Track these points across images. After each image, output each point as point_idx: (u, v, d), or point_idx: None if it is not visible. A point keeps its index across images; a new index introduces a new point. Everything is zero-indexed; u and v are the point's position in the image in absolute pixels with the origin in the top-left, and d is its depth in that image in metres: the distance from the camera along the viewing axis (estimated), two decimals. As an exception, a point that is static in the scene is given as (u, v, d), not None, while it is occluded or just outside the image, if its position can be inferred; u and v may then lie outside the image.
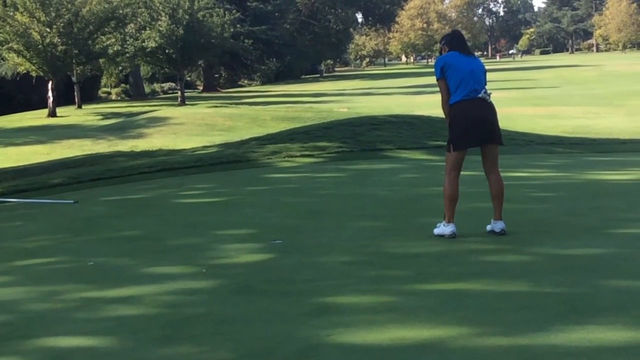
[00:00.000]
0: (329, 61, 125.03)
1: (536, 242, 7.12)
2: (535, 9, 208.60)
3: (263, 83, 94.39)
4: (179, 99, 57.29)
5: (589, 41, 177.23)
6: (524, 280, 5.76)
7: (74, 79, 53.26)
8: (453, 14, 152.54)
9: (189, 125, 36.25)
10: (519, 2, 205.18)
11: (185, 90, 62.85)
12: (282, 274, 6.45)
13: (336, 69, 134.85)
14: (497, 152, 7.59)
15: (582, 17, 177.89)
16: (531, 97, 52.78)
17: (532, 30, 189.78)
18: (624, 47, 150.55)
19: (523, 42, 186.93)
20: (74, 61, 50.47)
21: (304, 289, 5.89)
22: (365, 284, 5.96)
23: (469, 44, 7.98)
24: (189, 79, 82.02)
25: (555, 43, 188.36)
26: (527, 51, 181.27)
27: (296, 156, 17.19)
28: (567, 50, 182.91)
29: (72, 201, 12.05)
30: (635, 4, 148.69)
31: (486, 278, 5.90)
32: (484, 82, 7.58)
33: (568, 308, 5.01)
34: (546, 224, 8.02)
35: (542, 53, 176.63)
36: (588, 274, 5.83)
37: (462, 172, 7.63)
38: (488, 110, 7.46)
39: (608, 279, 5.69)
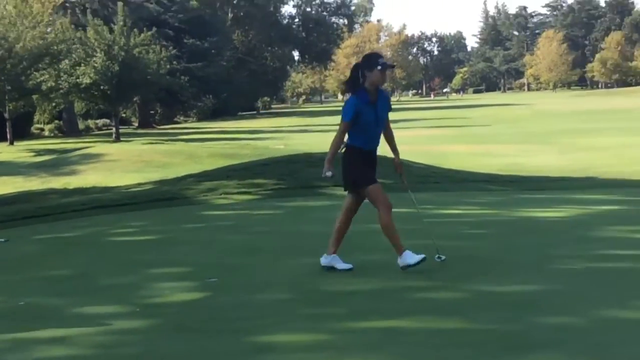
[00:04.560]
0: (265, 98, 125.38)
1: (470, 279, 7.19)
2: (469, 48, 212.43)
3: (199, 120, 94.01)
4: (114, 136, 56.81)
5: (521, 80, 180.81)
6: (459, 317, 5.81)
7: (6, 115, 52.49)
8: (388, 53, 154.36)
9: (124, 162, 35.90)
10: (452, 42, 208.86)
11: (120, 127, 62.37)
12: (218, 313, 6.41)
13: (273, 106, 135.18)
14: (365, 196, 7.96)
15: (514, 57, 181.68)
16: (465, 135, 53.51)
17: (465, 69, 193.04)
18: (555, 87, 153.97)
19: (457, 81, 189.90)
20: (6, 97, 49.80)
21: (240, 327, 5.86)
22: (302, 322, 5.95)
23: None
24: (124, 115, 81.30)
25: (488, 82, 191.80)
26: (461, 90, 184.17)
27: (233, 193, 17.12)
28: (500, 89, 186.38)
29: (2, 240, 11.82)
30: (565, 44, 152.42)
31: (421, 315, 5.94)
32: None
33: (502, 345, 5.07)
34: (480, 261, 8.12)
35: (475, 92, 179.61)
36: (521, 311, 5.91)
37: (396, 209, 7.73)
38: None
39: (541, 316, 5.76)
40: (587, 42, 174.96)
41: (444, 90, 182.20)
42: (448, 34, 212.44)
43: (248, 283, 7.52)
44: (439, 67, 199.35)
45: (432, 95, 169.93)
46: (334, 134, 7.86)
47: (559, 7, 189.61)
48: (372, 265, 8.14)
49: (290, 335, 5.58)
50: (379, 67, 7.70)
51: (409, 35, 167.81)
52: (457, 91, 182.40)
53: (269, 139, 51.98)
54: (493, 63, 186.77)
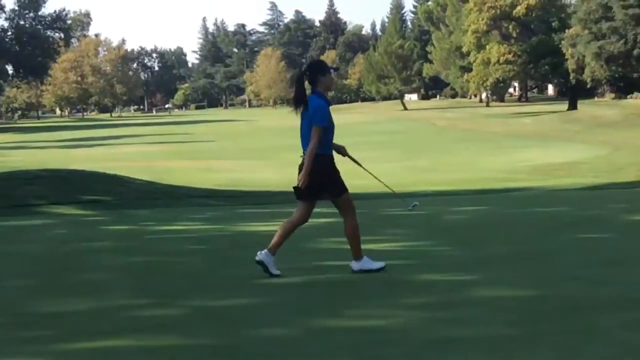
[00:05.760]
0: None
1: (188, 295, 7.19)
2: (190, 64, 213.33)
3: None
4: None
5: (242, 97, 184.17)
6: (176, 334, 5.78)
7: None
8: (108, 68, 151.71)
9: None
10: (173, 58, 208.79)
11: None
12: None
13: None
14: (337, 202, 7.79)
15: (234, 74, 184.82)
16: (188, 150, 53.70)
17: (187, 85, 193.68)
18: (275, 103, 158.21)
19: (178, 96, 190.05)
20: None
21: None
22: (11, 346, 5.65)
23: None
24: None
25: (210, 98, 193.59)
26: (183, 105, 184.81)
27: (-62, 215, 16.07)
28: (222, 105, 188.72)
29: None
30: (283, 63, 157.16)
31: (138, 333, 5.84)
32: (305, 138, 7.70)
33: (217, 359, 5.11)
34: (198, 276, 8.14)
35: (197, 108, 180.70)
36: (237, 324, 5.97)
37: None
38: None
39: (255, 328, 5.84)
40: (304, 60, 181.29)
41: (167, 106, 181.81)
42: (168, 50, 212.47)
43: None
44: (160, 82, 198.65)
45: (154, 111, 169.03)
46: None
47: (277, 25, 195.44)
48: (87, 284, 7.93)
49: (-1, 361, 5.30)
50: (332, 71, 7.93)
51: (129, 50, 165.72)
52: (179, 107, 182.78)
53: (-19, 156, 49.34)
54: (214, 79, 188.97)
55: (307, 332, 5.72)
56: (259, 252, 7.81)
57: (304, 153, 7.66)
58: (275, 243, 7.82)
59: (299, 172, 7.66)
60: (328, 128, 7.61)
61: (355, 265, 7.91)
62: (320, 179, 7.63)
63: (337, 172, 7.72)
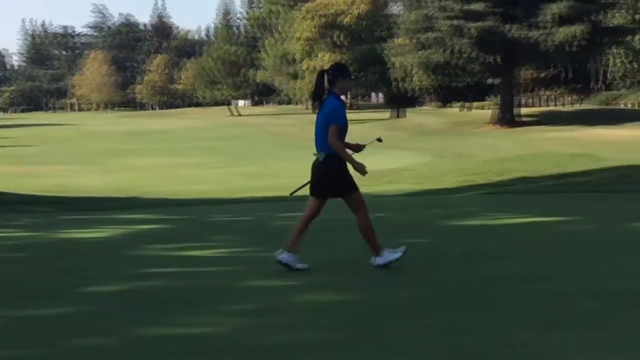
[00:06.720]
0: None
1: (4, 304, 6.94)
2: (14, 66, 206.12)
3: None
4: None
5: (68, 100, 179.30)
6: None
7: None
8: None
9: None
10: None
11: None
12: None
13: None
14: (347, 201, 8.14)
15: (60, 77, 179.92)
16: (7, 155, 51.84)
17: (10, 88, 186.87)
18: (103, 107, 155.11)
19: (2, 100, 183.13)
20: None
21: None
22: None
23: None
24: None
25: (35, 101, 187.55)
26: (7, 109, 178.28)
27: None
28: (47, 108, 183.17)
29: None
30: (111, 66, 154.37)
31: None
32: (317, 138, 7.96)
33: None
34: (17, 285, 7.86)
35: (22, 111, 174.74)
36: (54, 335, 5.81)
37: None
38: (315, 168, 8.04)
39: (73, 338, 5.70)
40: (133, 64, 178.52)
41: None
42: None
43: None
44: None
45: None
46: None
47: (103, 28, 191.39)
48: None
49: None
50: (352, 77, 8.18)
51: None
52: (2, 110, 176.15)
53: None
54: (39, 82, 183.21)
55: (129, 341, 5.62)
56: (277, 253, 8.07)
57: (317, 151, 7.96)
58: (291, 242, 8.08)
59: (312, 171, 8.05)
60: (343, 128, 7.86)
61: (379, 260, 8.08)
62: (330, 178, 7.98)
63: (347, 171, 7.98)
